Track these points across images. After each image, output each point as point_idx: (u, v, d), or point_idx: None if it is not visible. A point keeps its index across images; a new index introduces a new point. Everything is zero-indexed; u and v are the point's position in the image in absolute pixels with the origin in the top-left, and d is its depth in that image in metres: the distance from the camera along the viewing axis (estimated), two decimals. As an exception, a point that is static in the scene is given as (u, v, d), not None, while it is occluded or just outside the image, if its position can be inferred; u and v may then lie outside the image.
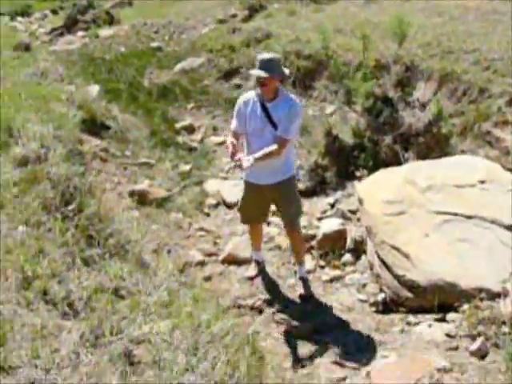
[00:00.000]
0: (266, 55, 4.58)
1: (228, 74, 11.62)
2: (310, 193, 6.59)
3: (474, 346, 4.00)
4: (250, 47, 12.02)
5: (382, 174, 5.74)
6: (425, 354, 4.00)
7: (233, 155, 4.44)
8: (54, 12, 22.11)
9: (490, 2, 11.65)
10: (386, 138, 6.33)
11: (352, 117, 7.43)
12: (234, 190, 6.87)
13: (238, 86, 11.22)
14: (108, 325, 2.84)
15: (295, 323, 4.58)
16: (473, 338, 4.11)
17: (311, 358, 4.24)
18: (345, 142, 6.48)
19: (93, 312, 3.08)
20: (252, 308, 4.79)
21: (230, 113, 10.10)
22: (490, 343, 3.98)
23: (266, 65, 4.43)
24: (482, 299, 4.33)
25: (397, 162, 6.20)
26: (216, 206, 6.83)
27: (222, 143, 9.00)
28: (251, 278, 5.29)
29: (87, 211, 4.38)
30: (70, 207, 4.30)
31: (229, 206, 6.76)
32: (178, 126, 9.52)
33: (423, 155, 6.23)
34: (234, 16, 16.02)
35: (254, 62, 4.60)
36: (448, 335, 4.25)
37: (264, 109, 4.58)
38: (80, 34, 16.52)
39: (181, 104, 10.74)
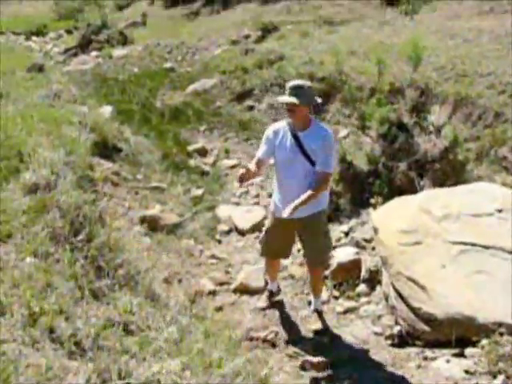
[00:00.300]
0: (296, 82, 4.44)
1: (241, 96, 11.61)
2: (324, 220, 6.49)
3: (495, 384, 3.87)
4: (263, 69, 12.02)
5: (397, 203, 5.62)
6: (443, 393, 3.87)
7: (241, 179, 4.28)
8: (69, 32, 22.38)
9: (504, 24, 11.58)
10: (401, 164, 6.22)
11: (366, 142, 7.33)
12: (246, 216, 6.81)
13: (251, 108, 11.20)
14: (116, 367, 2.74)
15: (309, 357, 4.43)
16: (493, 375, 3.98)
17: (326, 395, 4.11)
18: (359, 169, 6.38)
19: (101, 351, 2.99)
20: (264, 341, 4.65)
21: (243, 135, 10.26)
22: (511, 382, 3.84)
23: (294, 91, 4.30)
24: (501, 334, 4.20)
25: (412, 189, 6.08)
26: (228, 232, 6.73)
27: (235, 167, 8.96)
28: (263, 309, 5.14)
29: (97, 241, 4.30)
30: (80, 237, 4.22)
31: (241, 233, 6.68)
32: (190, 148, 9.48)
33: (439, 182, 6.11)
34: (247, 37, 16.08)
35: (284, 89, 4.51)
36: (467, 372, 4.11)
37: (295, 138, 4.43)
38: (94, 53, 16.69)
39: (193, 126, 10.73)
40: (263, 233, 4.95)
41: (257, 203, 7.45)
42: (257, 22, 16.72)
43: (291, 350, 4.57)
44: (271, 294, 5.26)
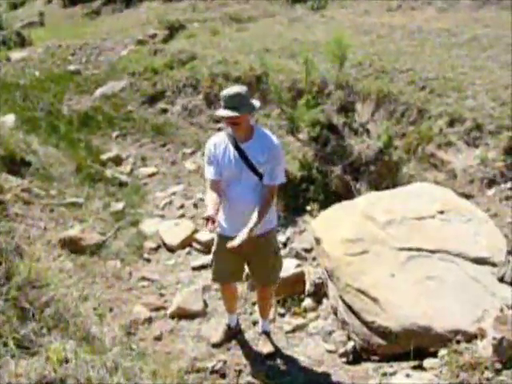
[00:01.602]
0: (231, 90, 3.94)
1: (153, 99, 11.15)
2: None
3: (459, 396, 3.71)
4: (174, 69, 11.57)
5: (337, 210, 5.37)
6: (407, 411, 3.66)
7: (211, 222, 3.74)
8: (-41, 34, 20.80)
9: (414, 20, 11.76)
10: (336, 168, 5.99)
11: (293, 144, 7.08)
12: (174, 231, 6.38)
13: (164, 111, 10.76)
14: None
15: (263, 386, 4.10)
16: (456, 386, 3.82)
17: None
18: (292, 175, 6.07)
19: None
20: (213, 371, 4.25)
21: (158, 140, 9.77)
22: (473, 392, 3.69)
23: (233, 101, 3.85)
24: (458, 342, 4.08)
25: (348, 193, 5.87)
26: (156, 249, 6.23)
27: (153, 174, 8.52)
28: (217, 345, 4.65)
29: (17, 278, 3.74)
30: (-3, 275, 3.66)
31: (170, 249, 6.21)
32: (104, 157, 8.89)
33: (375, 184, 5.94)
34: (154, 36, 15.54)
35: (219, 101, 4.00)
36: (428, 386, 3.92)
37: (238, 150, 4.01)
38: (-11, 57, 15.54)
39: (104, 132, 10.15)
40: (211, 256, 4.49)
41: (182, 215, 7.00)
42: (162, 21, 16.15)
43: (244, 379, 4.19)
44: (229, 329, 4.77)
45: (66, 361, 3.19)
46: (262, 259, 4.26)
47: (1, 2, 22.81)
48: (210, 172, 4.09)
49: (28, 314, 3.56)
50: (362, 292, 4.53)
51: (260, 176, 4.03)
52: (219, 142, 4.13)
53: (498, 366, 3.80)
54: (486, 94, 7.54)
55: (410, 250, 4.78)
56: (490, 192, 6.34)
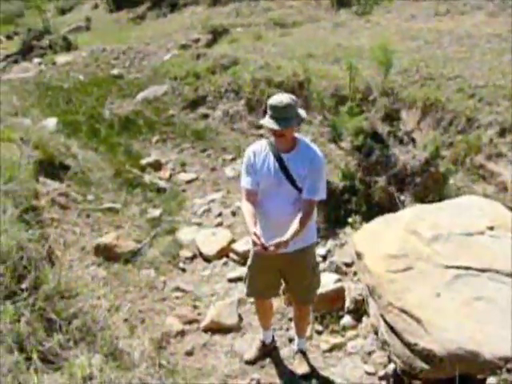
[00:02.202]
0: (280, 101, 3.65)
1: (194, 103, 11.03)
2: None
3: (511, 431, 3.43)
4: (217, 74, 11.46)
5: (380, 223, 5.11)
6: None
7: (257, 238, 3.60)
8: (9, 38, 21.28)
9: (462, 25, 11.37)
10: (380, 179, 5.71)
11: (334, 152, 6.85)
12: (211, 240, 6.21)
13: (206, 116, 10.63)
14: None
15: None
16: (506, 419, 3.54)
17: None
18: (333, 185, 5.83)
19: None
20: (246, 391, 4.08)
21: (199, 146, 9.65)
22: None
23: (281, 113, 3.60)
24: (509, 370, 3.77)
25: (392, 205, 5.59)
26: (192, 258, 6.07)
27: (192, 181, 8.37)
28: (249, 362, 4.48)
29: (45, 287, 3.64)
30: (24, 285, 3.56)
31: (206, 259, 6.05)
32: (143, 162, 8.80)
33: (420, 197, 5.65)
34: (197, 41, 15.51)
35: (266, 109, 3.76)
36: (476, 416, 3.66)
37: (279, 161, 3.82)
38: (36, 60, 15.90)
39: (145, 137, 10.07)
40: (246, 270, 4.30)
41: (220, 224, 6.83)
42: (206, 25, 16.12)
43: (278, 401, 4.01)
44: (263, 346, 4.60)
45: (90, 377, 3.05)
46: (299, 275, 4.06)
47: (49, 8, 23.20)
48: (246, 181, 3.91)
49: (54, 325, 3.46)
50: (405, 312, 4.26)
51: (299, 190, 3.82)
52: (259, 150, 3.94)
53: (553, 398, 3.52)
54: (540, 103, 7.17)
55: (457, 268, 4.49)
56: (544, 207, 5.98)
